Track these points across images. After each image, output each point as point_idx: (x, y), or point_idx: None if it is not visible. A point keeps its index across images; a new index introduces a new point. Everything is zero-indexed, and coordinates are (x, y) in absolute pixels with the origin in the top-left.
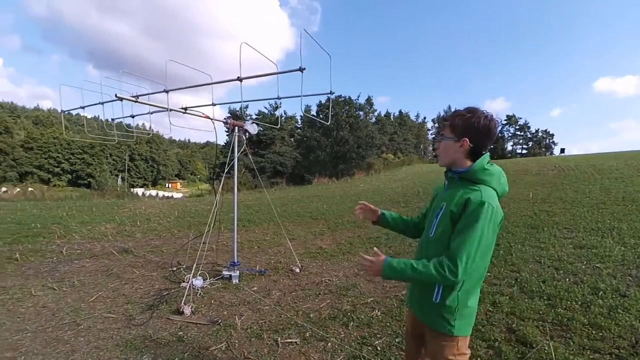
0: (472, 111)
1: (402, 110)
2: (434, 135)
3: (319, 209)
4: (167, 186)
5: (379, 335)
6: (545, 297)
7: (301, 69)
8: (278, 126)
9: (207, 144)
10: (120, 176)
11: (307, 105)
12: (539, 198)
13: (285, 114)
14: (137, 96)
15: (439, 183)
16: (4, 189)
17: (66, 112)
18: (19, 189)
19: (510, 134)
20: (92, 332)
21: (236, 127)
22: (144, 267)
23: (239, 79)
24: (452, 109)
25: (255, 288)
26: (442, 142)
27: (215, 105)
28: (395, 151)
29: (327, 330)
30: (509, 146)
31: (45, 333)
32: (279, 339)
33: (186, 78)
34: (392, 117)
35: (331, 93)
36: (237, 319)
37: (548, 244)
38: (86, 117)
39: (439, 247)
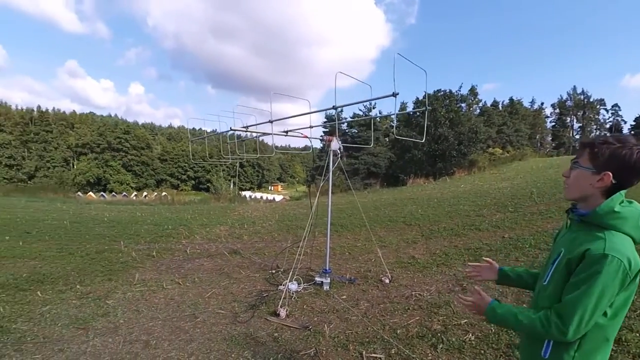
0: (623, 141)
1: (514, 97)
2: (553, 123)
3: (413, 213)
4: (269, 189)
5: None
6: None
7: (394, 94)
8: (371, 145)
9: (305, 148)
10: (232, 181)
11: (403, 102)
12: None
13: (380, 113)
14: (247, 126)
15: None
16: (144, 193)
17: (190, 129)
18: (155, 194)
19: None
20: (206, 325)
21: (330, 143)
22: (249, 267)
23: (334, 108)
24: (579, 90)
25: (345, 297)
26: (575, 170)
27: (312, 127)
28: (505, 144)
29: (414, 350)
30: None
31: (172, 322)
32: (364, 352)
33: (288, 89)
34: (500, 106)
35: (426, 109)
36: (326, 326)
37: None
38: (207, 144)
39: (553, 297)
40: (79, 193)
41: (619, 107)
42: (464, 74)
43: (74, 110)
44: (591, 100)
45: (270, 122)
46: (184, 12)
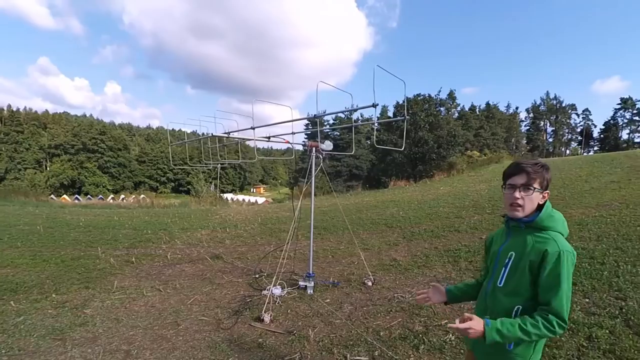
0: (546, 164)
1: (490, 102)
2: (528, 127)
3: (395, 215)
4: (252, 191)
5: None
6: None
7: (374, 105)
8: (352, 152)
9: (288, 149)
10: (213, 183)
11: (384, 106)
12: None
13: (362, 116)
14: (229, 132)
15: (492, 232)
16: (122, 196)
17: (169, 129)
18: (134, 197)
19: (625, 120)
20: (189, 333)
21: (313, 148)
22: (231, 272)
23: (315, 117)
24: (552, 95)
25: (328, 300)
26: (532, 193)
27: (295, 134)
28: (482, 148)
29: (397, 351)
30: (624, 134)
31: (153, 330)
32: (349, 355)
33: (270, 90)
34: (477, 110)
35: (404, 119)
36: (310, 330)
37: None
38: (187, 149)
39: (512, 296)
40: (52, 196)
41: (590, 112)
42: (444, 77)
43: (46, 110)
44: (563, 105)
45: (253, 128)
46: (162, 10)
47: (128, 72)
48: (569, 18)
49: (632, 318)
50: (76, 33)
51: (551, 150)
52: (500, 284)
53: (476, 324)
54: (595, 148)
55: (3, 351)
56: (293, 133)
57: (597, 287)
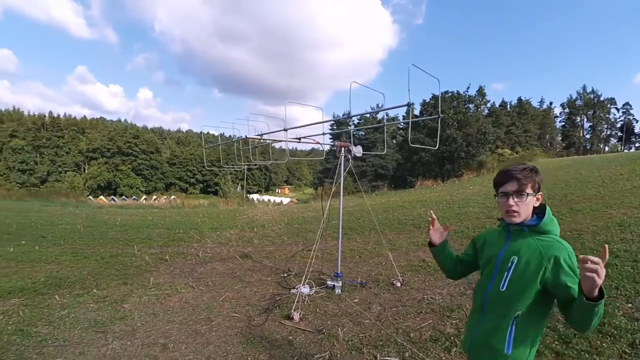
0: (535, 167)
1: (522, 97)
2: (563, 123)
3: (422, 216)
4: (277, 191)
5: None
6: None
7: (409, 104)
8: (383, 152)
9: (312, 150)
10: (239, 184)
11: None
12: None
13: (387, 115)
14: (262, 134)
15: (483, 232)
16: (154, 197)
17: (205, 133)
18: (165, 197)
19: None
20: (222, 329)
21: (342, 148)
22: (260, 271)
23: (349, 116)
24: (589, 89)
25: (357, 300)
26: (527, 199)
27: (324, 134)
28: (514, 145)
29: (428, 353)
30: None
31: (187, 325)
32: (379, 355)
33: (295, 91)
34: (508, 106)
35: (438, 117)
36: (339, 330)
37: None
38: (221, 151)
39: (514, 300)
40: (90, 197)
41: (631, 106)
42: (472, 73)
43: (84, 116)
44: (601, 99)
45: (285, 130)
46: (191, 17)
47: (159, 78)
48: (605, 5)
49: None
50: (111, 42)
51: (588, 147)
52: (502, 288)
53: (603, 272)
54: (637, 144)
55: (50, 342)
56: (324, 134)
57: None
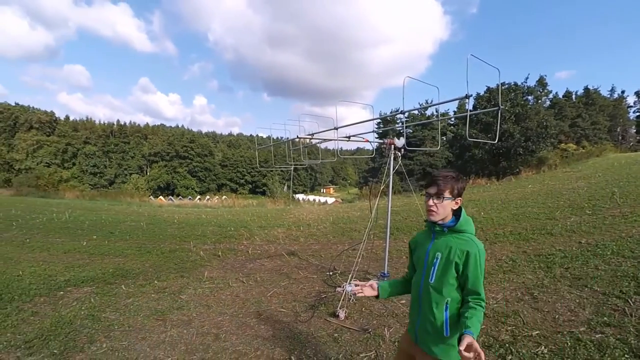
0: (459, 175)
1: (590, 86)
2: (638, 114)
3: (475, 216)
4: (322, 191)
5: None
6: None
7: (467, 96)
8: (438, 147)
9: (357, 149)
10: (286, 185)
11: (461, 102)
12: None
13: (437, 111)
14: (313, 134)
15: (415, 235)
16: (207, 197)
17: (247, 135)
18: (217, 197)
19: None
20: (270, 322)
21: (392, 146)
22: (306, 269)
23: (402, 112)
24: None
25: (404, 301)
26: (444, 201)
27: (374, 132)
28: (579, 139)
29: None
30: None
31: (238, 318)
32: None
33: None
34: (573, 97)
35: (499, 108)
36: (385, 330)
37: None
38: (272, 152)
39: (442, 290)
40: (151, 197)
41: None
42: (532, 62)
43: (147, 123)
44: None
45: (336, 129)
46: (243, 26)
47: (213, 86)
48: None
49: None
50: (170, 54)
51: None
52: (431, 280)
53: (475, 345)
54: None
55: (116, 327)
56: (374, 131)
57: None
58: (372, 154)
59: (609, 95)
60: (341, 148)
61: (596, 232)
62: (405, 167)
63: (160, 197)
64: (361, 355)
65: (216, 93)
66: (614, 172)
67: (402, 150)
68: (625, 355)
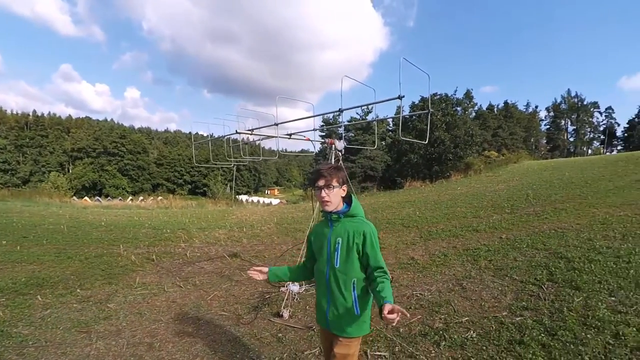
0: (340, 165)
1: (509, 101)
2: (548, 126)
3: (411, 215)
4: (266, 192)
5: (473, 359)
6: None
7: (400, 97)
8: (375, 147)
9: (302, 151)
10: (228, 185)
11: (398, 107)
12: None
13: (377, 117)
14: (252, 130)
15: (312, 228)
16: (140, 198)
17: (194, 133)
18: (152, 198)
19: None
20: (210, 327)
21: (333, 145)
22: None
23: (340, 110)
24: (573, 93)
25: None
26: (334, 190)
27: (316, 130)
28: (500, 148)
29: (417, 347)
30: None
31: (175, 324)
32: (369, 350)
33: (286, 92)
34: (495, 109)
35: (429, 112)
36: None
37: None
38: (210, 146)
39: (349, 271)
40: (74, 197)
41: (613, 110)
42: (462, 77)
43: (69, 115)
44: (585, 103)
45: (276, 125)
46: (181, 16)
47: (147, 78)
48: (592, 11)
49: None
50: (97, 40)
51: (572, 150)
52: (337, 265)
53: (397, 307)
54: (619, 147)
55: (30, 342)
56: (315, 129)
57: (624, 285)
58: (314, 154)
59: (524, 110)
60: (285, 149)
61: (514, 228)
62: (348, 170)
63: (86, 197)
64: (306, 352)
65: (151, 86)
66: (529, 177)
67: (342, 152)
68: (542, 335)
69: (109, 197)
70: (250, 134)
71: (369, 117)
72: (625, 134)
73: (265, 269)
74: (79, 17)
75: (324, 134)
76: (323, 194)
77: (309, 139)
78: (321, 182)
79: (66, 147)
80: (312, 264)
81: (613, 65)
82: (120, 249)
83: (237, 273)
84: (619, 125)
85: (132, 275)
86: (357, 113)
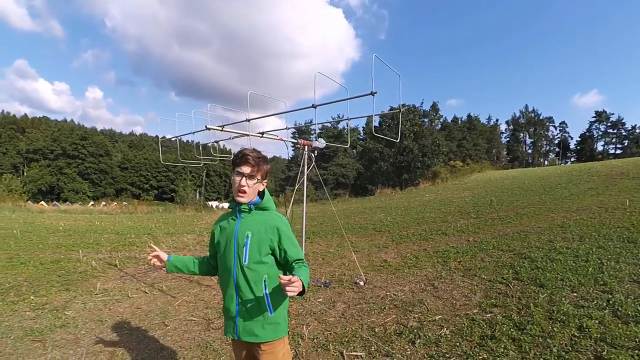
0: (266, 157)
1: (472, 114)
2: (508, 139)
3: (383, 220)
4: None
5: (447, 355)
6: None
7: (372, 93)
8: (348, 145)
9: (274, 158)
10: (197, 191)
11: (369, 116)
12: (638, 206)
13: (347, 125)
14: (223, 126)
15: (217, 221)
16: (103, 203)
17: (153, 136)
18: (115, 203)
19: (600, 133)
20: (178, 333)
21: (306, 146)
22: None
23: (314, 106)
24: (530, 109)
25: (321, 299)
26: (254, 182)
27: (289, 129)
28: (464, 158)
29: (393, 346)
30: (599, 146)
31: (139, 331)
32: (345, 351)
33: (256, 100)
34: (459, 122)
35: (400, 110)
36: (304, 328)
37: None
38: (178, 144)
39: (259, 268)
40: (30, 202)
41: (566, 124)
42: (429, 89)
43: (25, 114)
44: (541, 117)
45: (248, 120)
46: (147, 16)
47: (110, 78)
48: (549, 30)
49: (620, 309)
50: (56, 36)
51: (530, 161)
52: (245, 261)
53: (296, 279)
54: (572, 159)
55: None
56: (287, 128)
57: (584, 282)
58: (287, 151)
59: (486, 122)
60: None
61: (480, 232)
62: (320, 177)
63: (42, 202)
64: None
65: (114, 86)
66: (491, 185)
67: (316, 152)
68: (511, 330)
69: (67, 202)
70: (221, 130)
71: (340, 126)
72: (578, 147)
73: (164, 256)
74: (36, 11)
75: (296, 141)
76: (243, 182)
77: (281, 139)
78: (245, 170)
79: (21, 147)
80: (217, 262)
81: (568, 83)
82: (80, 254)
83: (206, 278)
84: (572, 138)
85: (93, 281)
86: (328, 122)
